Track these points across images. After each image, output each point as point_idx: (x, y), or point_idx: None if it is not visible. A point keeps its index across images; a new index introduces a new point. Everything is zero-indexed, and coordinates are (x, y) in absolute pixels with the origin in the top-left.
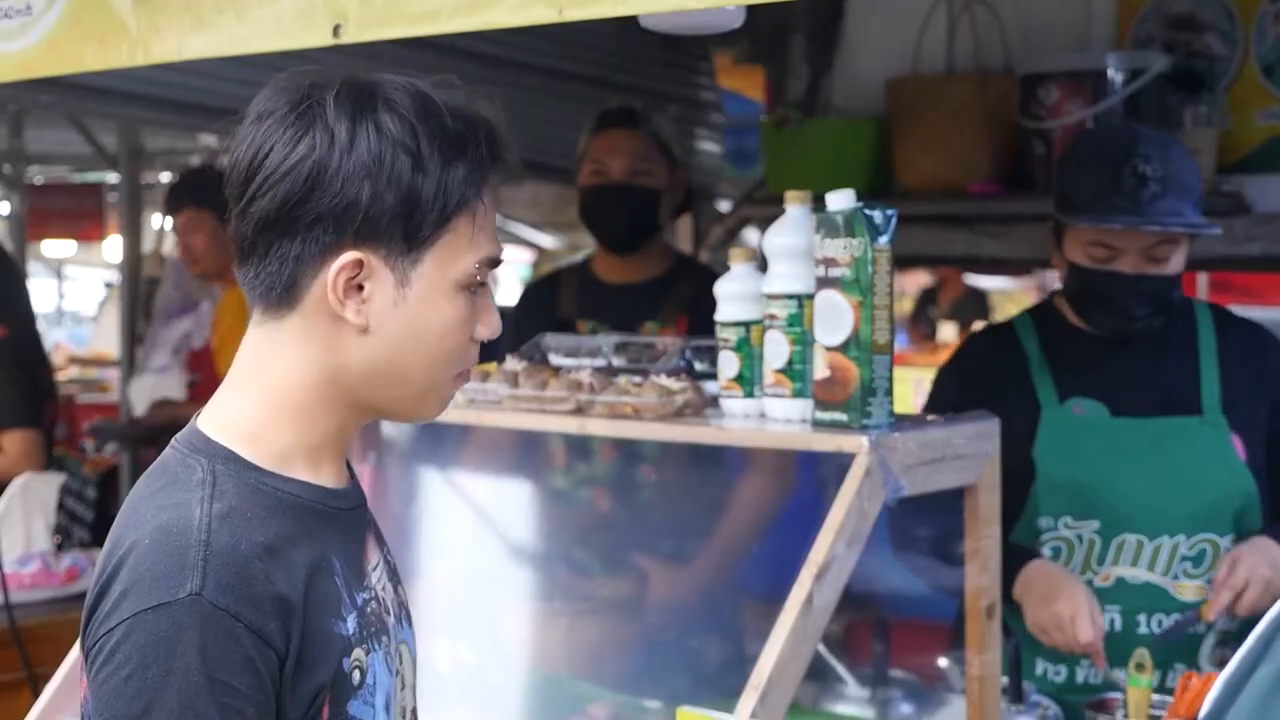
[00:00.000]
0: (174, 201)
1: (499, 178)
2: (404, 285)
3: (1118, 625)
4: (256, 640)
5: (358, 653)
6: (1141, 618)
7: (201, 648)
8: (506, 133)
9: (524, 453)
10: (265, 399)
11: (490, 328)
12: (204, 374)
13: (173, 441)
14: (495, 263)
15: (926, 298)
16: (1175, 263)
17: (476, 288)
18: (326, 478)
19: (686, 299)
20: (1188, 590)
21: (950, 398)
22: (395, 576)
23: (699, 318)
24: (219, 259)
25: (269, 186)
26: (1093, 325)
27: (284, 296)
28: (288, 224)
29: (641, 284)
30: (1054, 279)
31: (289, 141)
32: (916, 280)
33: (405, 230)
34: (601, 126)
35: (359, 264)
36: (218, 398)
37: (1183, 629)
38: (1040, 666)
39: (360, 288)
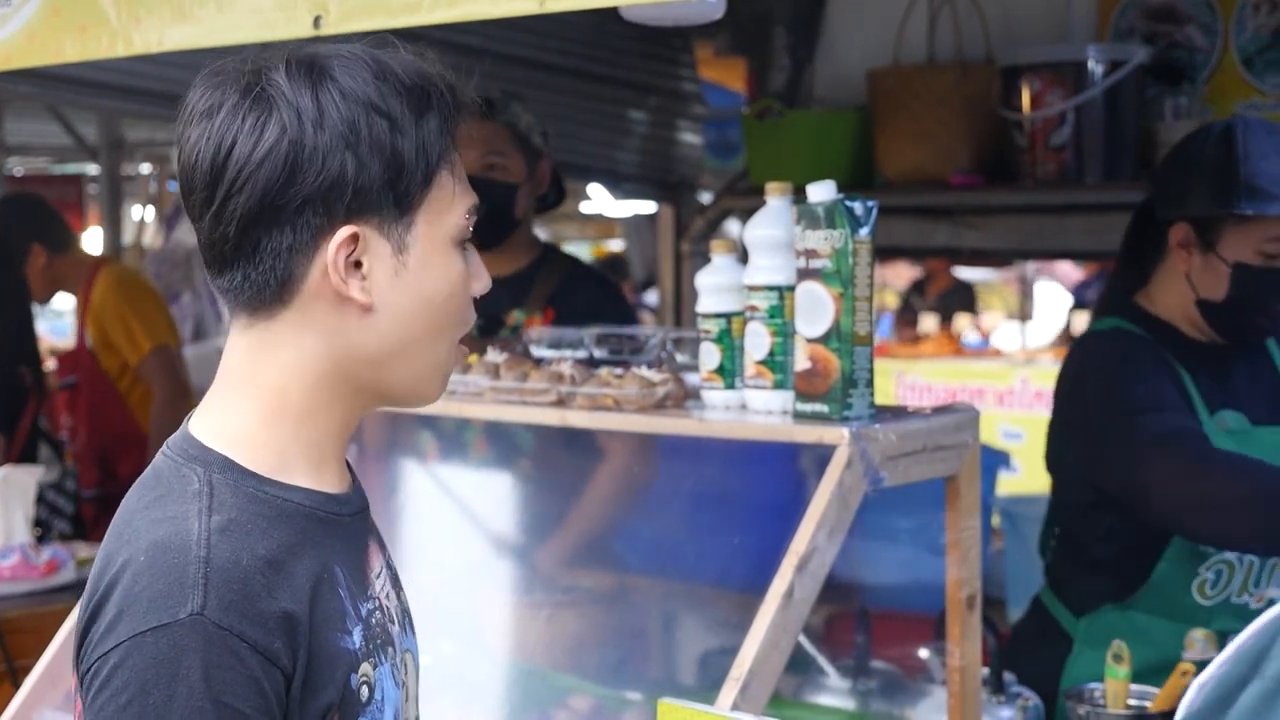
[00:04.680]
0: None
1: (465, 125)
2: (402, 253)
3: None
4: (262, 660)
5: (365, 668)
6: None
7: (205, 670)
8: (458, 79)
9: (502, 444)
10: (263, 402)
11: (483, 281)
12: (81, 375)
13: (164, 448)
14: (477, 209)
15: (914, 290)
16: None
17: (466, 242)
18: (328, 482)
19: (550, 289)
20: None
21: (1165, 395)
22: (397, 582)
23: (562, 308)
24: (43, 282)
25: (244, 181)
26: (1234, 333)
27: (277, 293)
28: (274, 215)
29: (507, 277)
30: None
31: (253, 129)
32: (905, 273)
33: (395, 195)
34: None
35: (355, 239)
36: (208, 405)
37: None
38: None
39: (358, 264)
